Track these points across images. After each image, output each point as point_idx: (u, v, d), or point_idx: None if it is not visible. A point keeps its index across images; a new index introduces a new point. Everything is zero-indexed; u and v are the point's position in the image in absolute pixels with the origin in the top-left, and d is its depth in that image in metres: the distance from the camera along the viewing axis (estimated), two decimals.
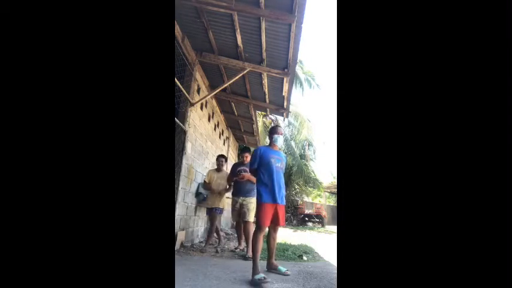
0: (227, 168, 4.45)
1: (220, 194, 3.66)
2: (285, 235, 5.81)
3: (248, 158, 3.41)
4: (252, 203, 3.39)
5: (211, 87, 4.57)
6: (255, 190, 2.83)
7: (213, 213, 3.64)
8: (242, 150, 3.64)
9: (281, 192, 2.49)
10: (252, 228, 3.06)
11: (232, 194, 3.55)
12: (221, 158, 3.84)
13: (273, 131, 2.69)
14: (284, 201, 2.52)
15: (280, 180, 2.51)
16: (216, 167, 3.85)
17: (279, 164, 2.53)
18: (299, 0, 2.49)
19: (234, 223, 3.77)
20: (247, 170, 3.20)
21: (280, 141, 2.67)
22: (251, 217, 3.36)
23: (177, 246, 3.37)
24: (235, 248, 3.68)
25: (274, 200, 2.43)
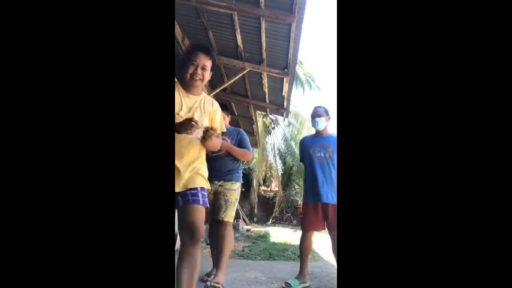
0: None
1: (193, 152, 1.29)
2: (285, 235, 5.81)
3: (226, 119, 2.16)
4: (233, 190, 2.02)
5: (211, 87, 4.57)
6: (241, 171, 2.11)
7: (184, 206, 1.21)
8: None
9: (329, 188, 1.95)
10: (231, 233, 1.99)
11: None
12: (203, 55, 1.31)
13: (312, 114, 2.15)
14: (335, 199, 1.90)
15: (324, 173, 1.98)
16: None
17: (321, 153, 2.02)
18: (299, 0, 2.49)
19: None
20: (227, 138, 2.03)
21: (321, 124, 2.06)
22: (230, 215, 1.98)
23: (177, 246, 3.37)
24: (205, 280, 2.00)
25: (317, 199, 1.97)
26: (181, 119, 1.21)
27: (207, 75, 1.33)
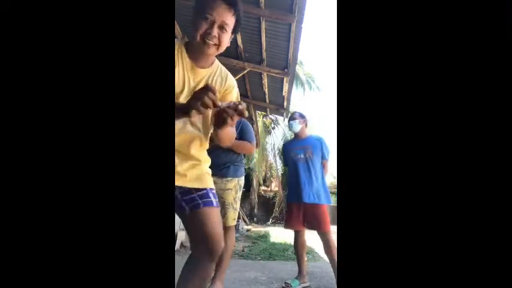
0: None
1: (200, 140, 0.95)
2: (285, 235, 5.81)
3: None
4: (229, 189, 1.80)
5: None
6: (240, 164, 1.93)
7: (195, 212, 0.91)
8: None
9: (310, 188, 2.03)
10: (232, 238, 1.86)
11: None
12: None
13: (288, 118, 2.29)
14: (320, 200, 2.02)
15: (305, 174, 2.06)
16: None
17: (301, 155, 2.12)
18: (299, 0, 2.49)
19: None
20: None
21: (296, 126, 2.16)
22: (231, 218, 1.80)
23: (177, 246, 3.37)
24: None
25: (299, 199, 2.04)
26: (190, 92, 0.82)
27: (227, 39, 0.86)
